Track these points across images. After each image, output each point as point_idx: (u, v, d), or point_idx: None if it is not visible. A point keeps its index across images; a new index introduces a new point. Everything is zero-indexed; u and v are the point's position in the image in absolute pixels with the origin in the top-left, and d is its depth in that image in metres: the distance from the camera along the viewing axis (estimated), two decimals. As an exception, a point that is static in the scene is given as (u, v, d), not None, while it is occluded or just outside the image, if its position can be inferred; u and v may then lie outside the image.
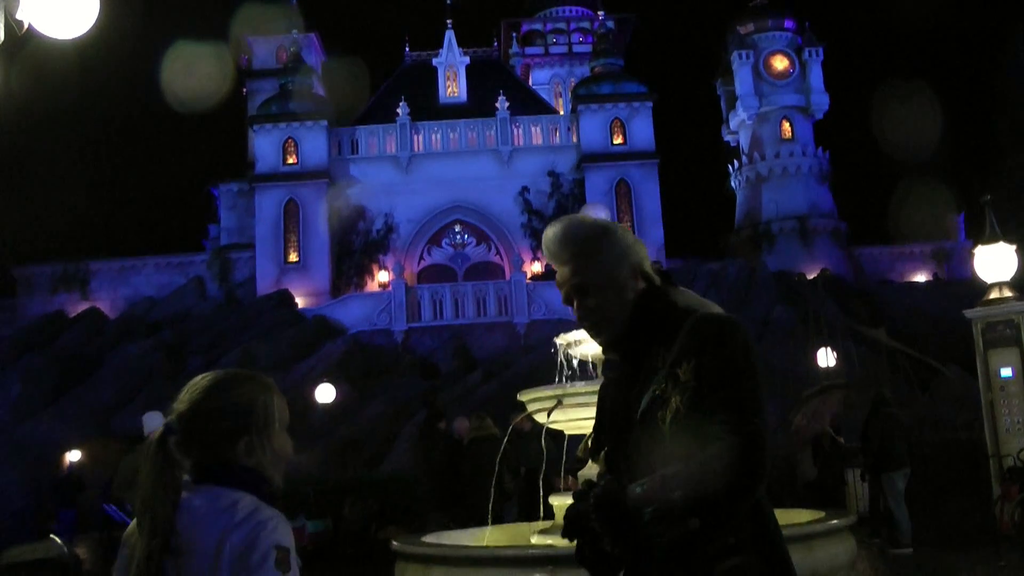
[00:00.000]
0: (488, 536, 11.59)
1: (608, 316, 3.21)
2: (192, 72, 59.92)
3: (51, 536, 12.18)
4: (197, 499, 2.83)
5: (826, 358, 27.60)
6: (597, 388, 10.07)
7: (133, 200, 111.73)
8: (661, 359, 3.06)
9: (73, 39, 4.55)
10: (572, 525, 3.02)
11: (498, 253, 55.65)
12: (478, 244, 56.28)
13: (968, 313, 17.64)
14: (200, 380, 3.05)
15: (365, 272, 54.30)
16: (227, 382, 3.03)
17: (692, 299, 3.21)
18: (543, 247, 3.35)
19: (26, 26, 4.30)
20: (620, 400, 3.20)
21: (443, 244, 56.25)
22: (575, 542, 3.03)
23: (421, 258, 55.85)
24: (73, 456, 35.99)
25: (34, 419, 38.93)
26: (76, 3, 4.23)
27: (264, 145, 55.60)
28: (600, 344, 3.32)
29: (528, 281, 49.07)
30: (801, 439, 16.55)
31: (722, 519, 2.81)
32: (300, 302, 50.61)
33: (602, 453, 3.21)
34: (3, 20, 4.27)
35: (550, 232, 3.28)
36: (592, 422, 10.19)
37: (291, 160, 55.03)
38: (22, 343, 46.21)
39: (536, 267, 52.62)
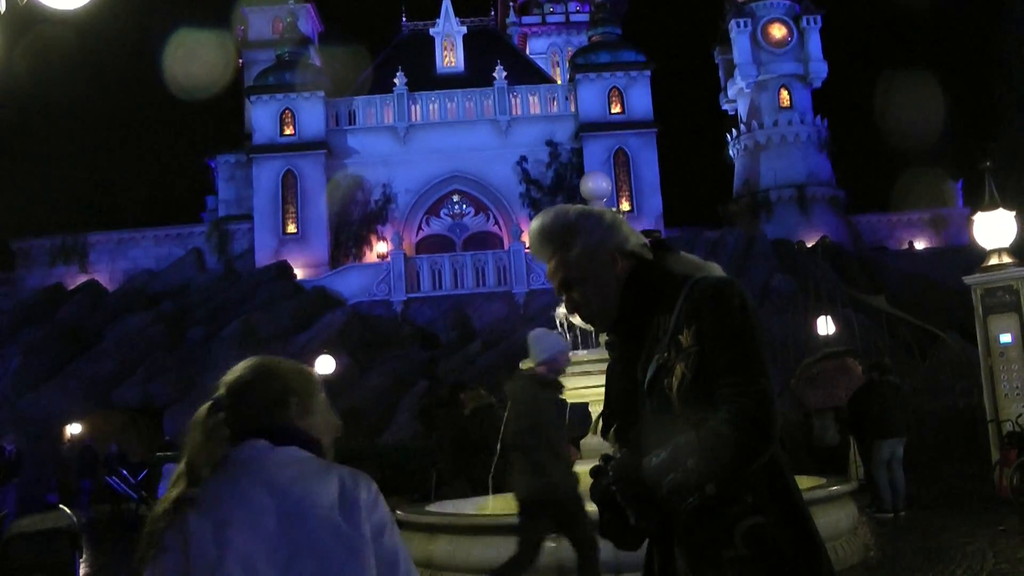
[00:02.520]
0: (491, 505, 11.66)
1: (593, 307, 3.25)
2: (191, 47, 59.76)
3: (60, 506, 12.21)
4: (282, 457, 2.88)
5: (826, 326, 27.62)
6: (598, 356, 10.15)
7: (131, 172, 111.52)
8: (663, 328, 3.08)
9: (73, 10, 4.54)
10: (594, 501, 3.07)
11: (496, 223, 55.60)
12: (476, 214, 56.20)
13: (967, 279, 17.69)
14: (244, 361, 3.12)
15: (364, 243, 54.26)
16: (270, 359, 3.12)
17: (690, 264, 3.22)
18: (529, 245, 3.39)
19: (27, -1, 4.29)
20: (627, 375, 3.23)
21: (441, 214, 56.18)
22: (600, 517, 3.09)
23: (419, 228, 55.80)
24: (74, 429, 36.12)
25: (35, 392, 39.02)
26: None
27: (261, 116, 55.48)
28: (598, 331, 3.36)
29: (527, 251, 49.00)
30: (812, 406, 16.61)
31: (737, 481, 2.85)
32: (299, 273, 50.59)
33: (612, 430, 3.24)
34: (4, -9, 4.26)
35: (532, 229, 3.32)
36: (593, 390, 10.22)
37: (289, 131, 54.92)
38: (22, 316, 46.23)
39: (535, 236, 52.55)
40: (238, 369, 3.07)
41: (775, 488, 2.96)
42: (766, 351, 2.99)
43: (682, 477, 2.83)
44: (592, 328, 3.35)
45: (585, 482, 3.34)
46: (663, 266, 3.20)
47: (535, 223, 3.31)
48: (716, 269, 3.21)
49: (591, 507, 3.07)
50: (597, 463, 3.12)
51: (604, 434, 3.29)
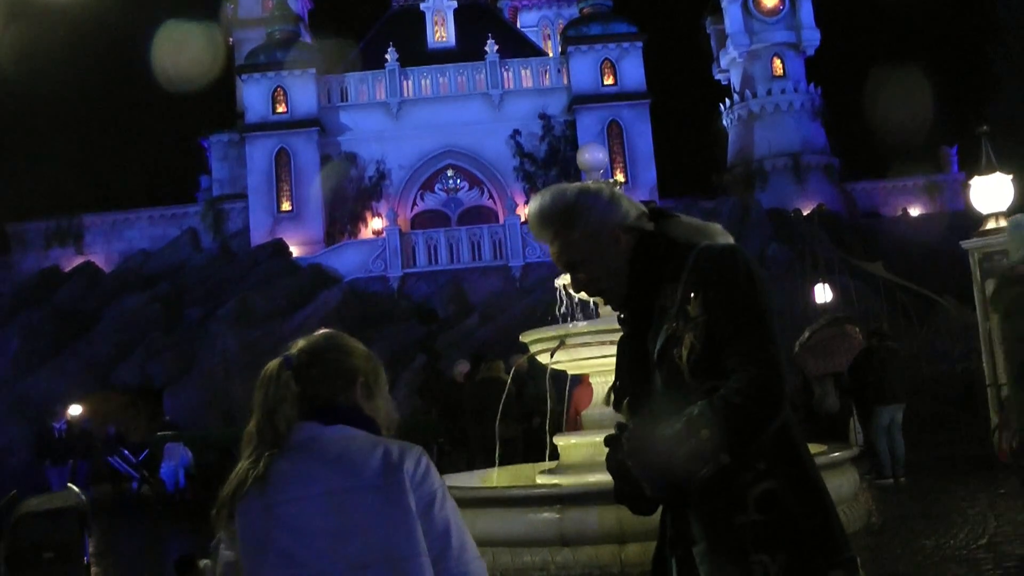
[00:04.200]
0: (495, 477, 11.71)
1: (601, 285, 3.26)
2: (181, 28, 59.51)
3: (69, 485, 12.25)
4: (336, 435, 2.95)
5: (823, 293, 27.63)
6: (598, 327, 10.15)
7: (125, 154, 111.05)
8: (670, 298, 3.10)
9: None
10: (609, 471, 3.10)
11: (491, 197, 55.55)
12: (471, 188, 56.13)
13: (965, 244, 17.71)
14: (318, 332, 3.19)
15: (359, 219, 54.20)
16: (343, 336, 3.18)
17: (693, 229, 3.22)
18: (529, 227, 3.39)
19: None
20: (637, 347, 3.24)
21: (436, 189, 56.09)
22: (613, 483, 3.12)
23: (414, 204, 55.74)
24: (74, 411, 36.14)
25: (34, 374, 39.06)
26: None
27: (253, 95, 55.31)
28: (609, 306, 3.37)
29: (522, 224, 48.96)
30: (812, 373, 16.63)
31: (750, 449, 2.88)
32: (295, 251, 50.57)
33: (625, 402, 3.26)
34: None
35: (531, 212, 3.32)
36: (593, 360, 10.27)
37: (281, 109, 54.77)
38: (18, 299, 46.27)
39: (530, 210, 52.57)
40: (314, 338, 3.13)
41: (787, 453, 2.99)
42: (774, 316, 3.01)
43: (696, 446, 2.85)
44: (605, 303, 3.36)
45: (599, 451, 3.36)
46: (665, 235, 3.21)
47: (533, 205, 3.31)
48: (718, 230, 3.22)
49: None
50: (612, 432, 3.14)
51: (616, 406, 3.31)
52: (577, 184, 3.34)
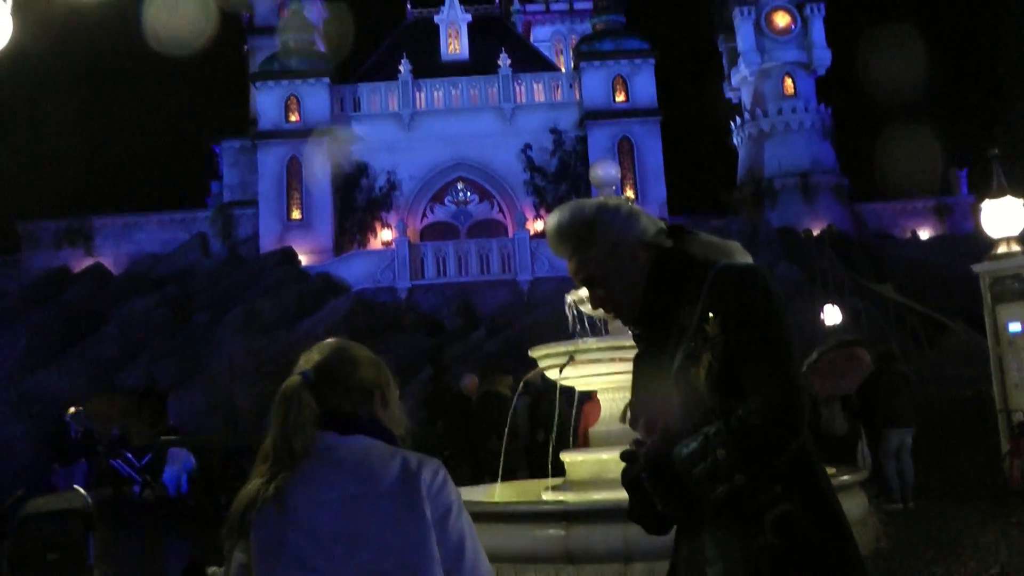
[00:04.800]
0: (499, 492, 11.65)
1: (618, 302, 3.23)
2: (190, 25, 59.62)
3: (74, 487, 12.23)
4: (354, 444, 2.96)
5: (833, 315, 27.62)
6: (608, 344, 10.11)
7: (136, 156, 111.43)
8: (688, 317, 3.07)
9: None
10: (624, 487, 3.07)
11: (501, 210, 55.63)
12: (481, 201, 56.22)
13: (976, 267, 17.65)
14: (325, 341, 3.19)
15: (368, 229, 54.31)
16: (350, 345, 3.19)
17: (711, 246, 3.20)
18: (547, 242, 3.37)
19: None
20: (653, 365, 3.21)
21: (446, 201, 56.19)
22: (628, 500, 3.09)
23: (424, 215, 55.85)
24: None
25: (40, 373, 39.03)
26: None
27: (266, 102, 55.51)
28: (624, 324, 3.35)
29: (531, 238, 49.00)
30: (820, 395, 16.57)
31: (766, 470, 2.85)
32: (303, 259, 50.62)
33: (641, 420, 3.23)
34: (22, -25, 4.23)
35: (549, 227, 3.30)
36: (603, 378, 10.22)
37: (293, 117, 54.96)
38: (27, 298, 46.28)
39: (539, 225, 52.68)
40: (324, 350, 3.12)
41: (803, 476, 2.96)
42: (793, 337, 2.98)
43: (712, 467, 2.83)
44: (620, 320, 3.33)
45: (616, 467, 3.33)
46: (684, 252, 3.19)
47: (551, 220, 3.29)
48: (737, 249, 3.20)
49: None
50: (628, 447, 3.12)
51: (632, 423, 3.28)
52: (596, 199, 3.32)
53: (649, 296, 3.17)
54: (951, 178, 62.31)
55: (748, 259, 3.18)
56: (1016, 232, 17.36)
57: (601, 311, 3.31)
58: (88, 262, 52.97)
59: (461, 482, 14.67)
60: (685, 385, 3.02)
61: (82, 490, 10.48)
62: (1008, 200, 17.45)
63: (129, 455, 28.09)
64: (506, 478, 12.14)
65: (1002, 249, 17.36)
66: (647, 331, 3.26)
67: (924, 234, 58.34)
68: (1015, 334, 16.76)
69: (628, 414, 3.31)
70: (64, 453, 24.63)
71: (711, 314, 2.98)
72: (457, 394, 18.15)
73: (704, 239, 3.23)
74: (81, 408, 25.71)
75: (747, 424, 2.82)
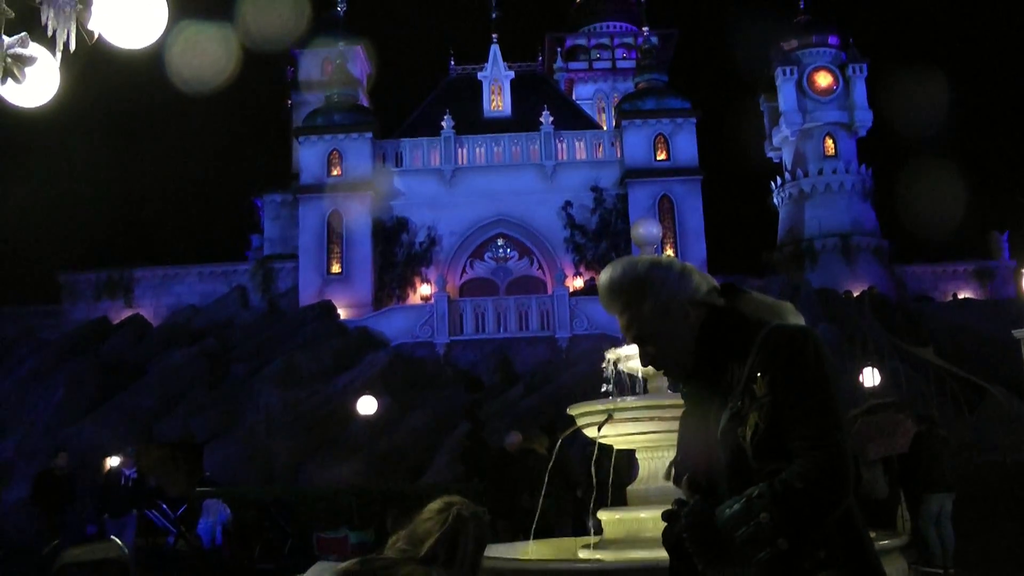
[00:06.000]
0: (532, 550, 11.58)
1: (668, 360, 3.22)
2: (233, 78, 60.13)
3: (111, 537, 12.24)
4: None
5: (872, 377, 27.41)
6: (646, 403, 10.06)
7: (177, 210, 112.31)
8: (736, 376, 3.05)
9: (141, 49, 4.57)
10: (665, 547, 3.05)
11: (540, 267, 55.61)
12: (520, 258, 56.21)
13: (1017, 333, 17.55)
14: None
15: (407, 284, 54.36)
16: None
17: (763, 306, 3.19)
18: (599, 298, 3.37)
19: (97, 35, 4.31)
20: (700, 423, 3.20)
21: (486, 257, 56.22)
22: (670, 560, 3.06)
23: (463, 271, 55.88)
24: (113, 461, 36.13)
25: (77, 424, 39.17)
26: (145, 12, 4.25)
27: (309, 157, 55.83)
28: (674, 382, 3.34)
29: (570, 296, 48.96)
30: (864, 457, 16.44)
31: (810, 535, 2.82)
32: (342, 313, 50.68)
33: (685, 478, 3.21)
34: (74, 29, 4.28)
35: (601, 283, 3.30)
36: (641, 436, 10.16)
37: (335, 172, 55.23)
38: (66, 348, 46.51)
39: (578, 282, 52.65)
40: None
41: (848, 542, 2.93)
42: (841, 402, 2.96)
43: (755, 530, 2.81)
44: (669, 378, 3.32)
45: (653, 526, 3.32)
46: (736, 311, 3.18)
47: (604, 276, 3.29)
48: (790, 310, 3.19)
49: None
50: (670, 507, 3.10)
51: (676, 481, 3.26)
52: (648, 256, 3.32)
53: (699, 354, 3.16)
54: (992, 241, 61.97)
55: (800, 320, 3.16)
56: (1058, 298, 17.24)
57: (651, 368, 3.31)
58: (127, 313, 53.19)
59: (500, 539, 14.63)
60: (730, 445, 3.01)
61: (119, 541, 10.49)
62: (1050, 266, 17.34)
63: (164, 506, 28.06)
64: (539, 536, 12.07)
65: (1044, 314, 17.24)
66: (695, 389, 3.24)
67: (964, 297, 57.94)
68: (1057, 400, 16.60)
69: (672, 472, 3.30)
70: (115, 504, 23.98)
71: (760, 374, 2.97)
72: (500, 451, 18.10)
73: (757, 299, 3.22)
74: (131, 450, 25.39)
75: (792, 488, 2.80)
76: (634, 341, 3.26)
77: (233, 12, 58.25)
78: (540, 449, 15.85)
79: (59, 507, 24.11)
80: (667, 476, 3.35)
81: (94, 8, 4.20)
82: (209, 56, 57.08)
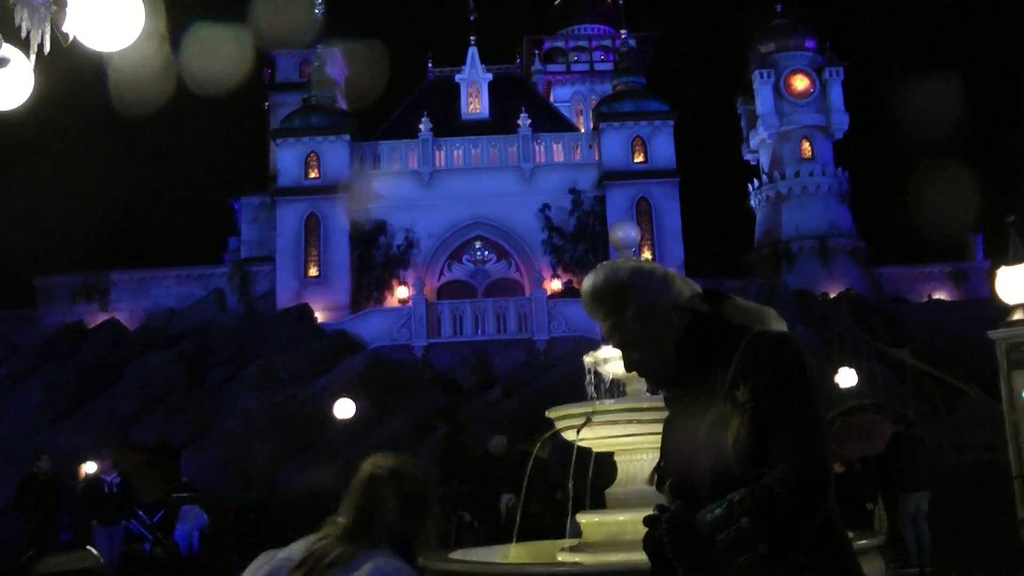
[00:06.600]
0: (513, 553, 11.58)
1: (651, 366, 3.23)
2: (210, 80, 59.90)
3: (87, 547, 12.17)
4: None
5: (848, 378, 27.48)
6: (626, 406, 10.06)
7: (153, 212, 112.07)
8: (720, 381, 3.06)
9: (117, 51, 4.56)
10: (646, 551, 3.06)
11: (518, 270, 55.59)
12: (498, 260, 56.17)
13: (992, 334, 17.54)
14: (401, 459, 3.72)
15: (385, 287, 54.27)
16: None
17: (748, 312, 3.20)
18: (582, 304, 3.37)
19: (72, 38, 4.29)
20: (682, 428, 3.20)
21: (464, 260, 56.17)
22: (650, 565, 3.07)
23: (441, 274, 55.82)
24: (89, 468, 35.93)
25: (53, 428, 39.01)
26: (121, 14, 4.23)
27: (287, 159, 55.69)
28: (656, 387, 3.35)
29: (548, 298, 48.98)
30: (852, 457, 16.52)
31: (790, 540, 2.83)
32: (320, 316, 50.62)
33: (667, 483, 3.21)
34: (49, 31, 4.27)
35: (584, 289, 3.30)
36: (620, 439, 10.17)
37: (313, 174, 55.10)
38: (42, 353, 46.33)
39: (556, 284, 52.66)
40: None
41: (829, 548, 2.94)
42: (822, 408, 2.97)
43: (735, 535, 2.82)
44: (649, 383, 3.35)
45: (632, 529, 3.34)
46: (719, 317, 3.18)
47: (586, 283, 3.29)
48: (772, 316, 3.20)
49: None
50: (652, 512, 3.10)
51: (659, 486, 3.27)
52: (631, 262, 3.32)
53: (682, 360, 3.17)
54: (967, 243, 62.27)
55: (783, 326, 3.18)
56: (1033, 299, 17.27)
57: (634, 373, 3.31)
58: (104, 317, 53.03)
59: (481, 543, 14.60)
60: (713, 450, 3.01)
61: (94, 550, 10.43)
62: (1024, 267, 17.37)
63: (140, 512, 27.85)
64: (539, 538, 12.10)
65: (1018, 316, 17.26)
66: (678, 395, 3.25)
67: (940, 299, 58.18)
68: (1032, 401, 16.65)
69: (655, 477, 3.31)
70: (105, 511, 23.20)
71: (742, 380, 2.98)
72: (484, 454, 18.04)
73: (740, 304, 3.23)
74: (105, 452, 24.87)
75: (773, 493, 2.80)
76: (617, 347, 3.26)
77: (211, 14, 57.97)
78: (543, 454, 15.83)
79: (46, 513, 23.66)
80: (650, 481, 3.36)
81: (69, 10, 4.19)
82: (186, 58, 56.90)
